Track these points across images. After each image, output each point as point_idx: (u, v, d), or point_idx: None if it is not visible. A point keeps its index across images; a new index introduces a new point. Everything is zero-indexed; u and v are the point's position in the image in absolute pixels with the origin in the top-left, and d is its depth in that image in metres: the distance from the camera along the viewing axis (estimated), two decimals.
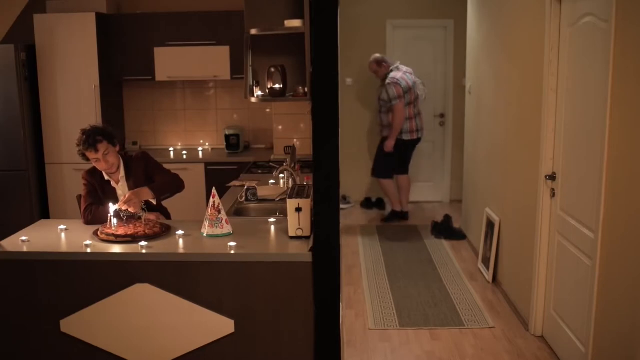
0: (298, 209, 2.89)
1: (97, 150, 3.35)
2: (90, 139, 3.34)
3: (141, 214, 3.19)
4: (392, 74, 6.19)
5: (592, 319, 3.08)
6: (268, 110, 5.96)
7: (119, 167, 3.51)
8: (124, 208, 3.18)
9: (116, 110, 5.95)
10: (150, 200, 3.37)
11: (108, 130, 3.46)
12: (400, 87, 6.10)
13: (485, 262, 5.00)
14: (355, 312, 4.38)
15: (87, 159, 3.41)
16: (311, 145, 2.65)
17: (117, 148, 3.49)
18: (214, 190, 3.06)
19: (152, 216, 3.36)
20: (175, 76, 5.78)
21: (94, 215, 3.34)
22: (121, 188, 3.53)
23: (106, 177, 3.51)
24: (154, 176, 3.55)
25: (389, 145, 6.23)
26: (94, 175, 3.51)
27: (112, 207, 3.12)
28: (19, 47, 5.28)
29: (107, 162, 3.41)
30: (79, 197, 3.69)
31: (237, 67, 5.54)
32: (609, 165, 2.91)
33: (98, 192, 3.47)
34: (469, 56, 6.02)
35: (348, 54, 6.70)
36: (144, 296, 2.84)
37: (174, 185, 3.53)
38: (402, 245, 5.92)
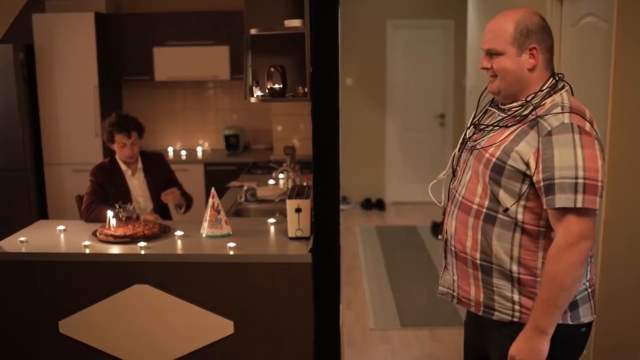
0: (298, 210, 2.88)
1: (129, 137, 3.52)
2: (127, 124, 3.54)
3: (139, 213, 3.20)
4: (560, 97, 1.93)
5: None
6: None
7: (137, 159, 3.65)
8: (170, 198, 3.55)
9: (115, 111, 5.92)
10: (176, 205, 3.66)
11: (141, 123, 3.66)
12: (595, 142, 1.86)
13: None
14: (356, 314, 4.37)
15: (112, 142, 3.55)
16: (311, 145, 2.64)
17: (140, 142, 3.67)
18: (213, 190, 3.05)
19: (151, 217, 3.35)
20: (174, 76, 5.76)
21: (95, 214, 3.34)
22: (137, 179, 3.62)
23: (123, 168, 3.58)
24: (171, 185, 3.70)
25: (536, 355, 1.86)
26: (102, 171, 3.54)
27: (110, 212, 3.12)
28: (17, 47, 5.26)
29: (132, 150, 3.56)
30: (78, 198, 3.68)
31: (236, 67, 5.52)
32: (610, 167, 2.89)
33: (104, 189, 3.50)
34: (469, 56, 6.01)
35: (348, 54, 6.69)
36: (143, 297, 2.83)
37: (190, 204, 3.78)
38: (402, 246, 5.91)
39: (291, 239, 2.94)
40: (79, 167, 5.29)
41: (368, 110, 7.33)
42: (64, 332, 2.88)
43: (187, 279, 2.82)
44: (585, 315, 1.94)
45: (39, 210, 5.56)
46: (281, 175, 4.34)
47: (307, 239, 2.91)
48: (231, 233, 3.04)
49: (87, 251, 2.87)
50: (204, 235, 3.03)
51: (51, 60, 5.45)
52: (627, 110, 2.75)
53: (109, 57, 5.66)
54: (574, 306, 1.91)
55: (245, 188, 4.02)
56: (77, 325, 2.87)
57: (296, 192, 2.98)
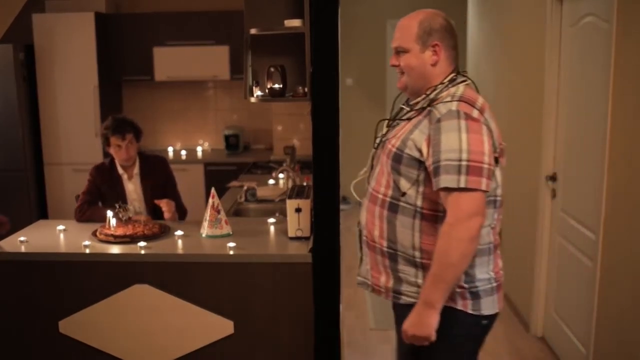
0: (298, 210, 2.88)
1: (124, 139, 3.46)
2: (122, 126, 3.48)
3: (131, 215, 3.22)
4: (455, 89, 2.04)
5: (593, 320, 3.06)
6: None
7: (134, 163, 3.59)
8: (165, 207, 3.37)
9: (115, 111, 5.92)
10: (167, 216, 3.47)
11: (138, 126, 3.60)
12: (482, 127, 1.95)
13: None
14: (356, 314, 4.36)
15: (108, 144, 3.50)
16: (311, 145, 2.64)
17: (138, 145, 3.60)
18: (213, 190, 3.05)
19: (141, 217, 3.32)
20: (174, 76, 5.76)
21: (87, 215, 3.35)
22: (133, 183, 3.58)
23: (120, 171, 3.56)
24: (167, 193, 3.59)
25: (425, 328, 1.92)
26: (100, 172, 3.53)
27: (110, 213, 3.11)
28: (17, 47, 5.26)
29: (128, 153, 3.50)
30: (77, 198, 3.68)
31: (236, 67, 5.53)
32: (610, 166, 2.90)
33: (100, 190, 3.50)
34: (469, 56, 6.01)
35: (348, 54, 6.69)
36: (143, 297, 2.82)
37: (184, 217, 3.67)
38: None
39: (291, 239, 2.94)
40: (79, 167, 5.29)
41: (368, 110, 7.33)
42: (64, 332, 2.88)
43: (187, 279, 2.82)
44: (487, 307, 1.99)
45: (39, 210, 5.56)
46: (281, 175, 4.34)
47: (307, 239, 2.91)
48: (231, 233, 3.04)
49: (87, 251, 2.87)
50: (204, 235, 3.03)
51: (51, 60, 5.45)
52: (627, 110, 2.75)
53: (109, 57, 5.66)
54: (475, 296, 1.97)
55: (245, 188, 4.01)
56: (77, 325, 2.87)
57: (296, 192, 2.98)
